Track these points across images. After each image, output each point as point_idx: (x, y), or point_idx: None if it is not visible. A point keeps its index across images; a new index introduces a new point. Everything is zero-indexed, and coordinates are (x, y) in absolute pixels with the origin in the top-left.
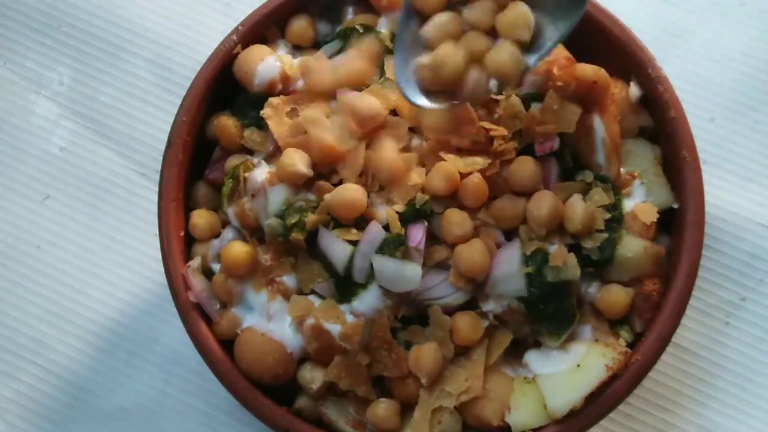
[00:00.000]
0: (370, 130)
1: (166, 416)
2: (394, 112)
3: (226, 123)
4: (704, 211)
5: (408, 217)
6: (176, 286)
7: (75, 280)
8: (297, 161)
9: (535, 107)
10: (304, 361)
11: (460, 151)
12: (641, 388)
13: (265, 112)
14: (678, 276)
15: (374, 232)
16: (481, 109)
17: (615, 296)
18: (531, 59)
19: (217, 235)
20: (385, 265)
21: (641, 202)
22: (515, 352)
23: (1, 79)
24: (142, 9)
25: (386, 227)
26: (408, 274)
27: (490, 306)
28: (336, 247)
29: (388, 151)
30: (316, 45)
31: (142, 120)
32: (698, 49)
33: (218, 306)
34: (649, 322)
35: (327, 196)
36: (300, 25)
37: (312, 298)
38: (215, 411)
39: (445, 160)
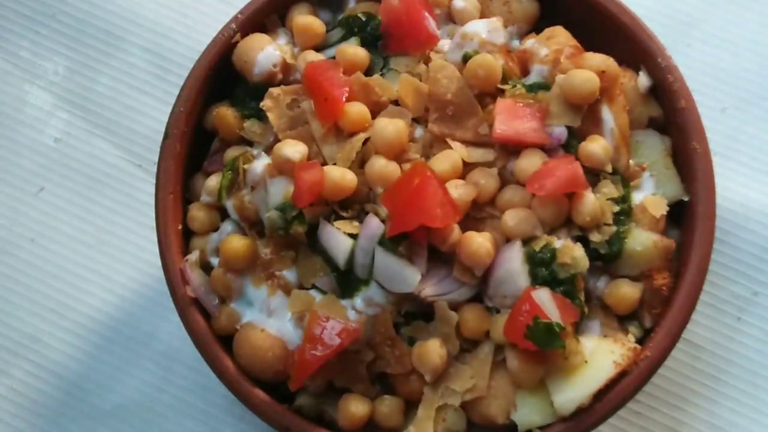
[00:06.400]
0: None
1: (163, 414)
2: (396, 103)
3: (225, 113)
4: (715, 203)
5: None
6: (174, 280)
7: (70, 274)
8: (288, 150)
9: (542, 96)
10: None
11: (465, 144)
12: (651, 385)
13: (265, 103)
14: (688, 270)
15: (373, 225)
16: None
17: (624, 291)
18: None
19: (216, 229)
20: (386, 261)
21: (651, 194)
22: None
23: None
24: None
25: None
26: (407, 275)
27: (495, 303)
28: (336, 240)
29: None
30: None
31: (139, 110)
32: (709, 38)
33: (217, 301)
34: (659, 317)
35: None
36: (305, 20)
37: (313, 293)
38: (213, 408)
39: (451, 148)
